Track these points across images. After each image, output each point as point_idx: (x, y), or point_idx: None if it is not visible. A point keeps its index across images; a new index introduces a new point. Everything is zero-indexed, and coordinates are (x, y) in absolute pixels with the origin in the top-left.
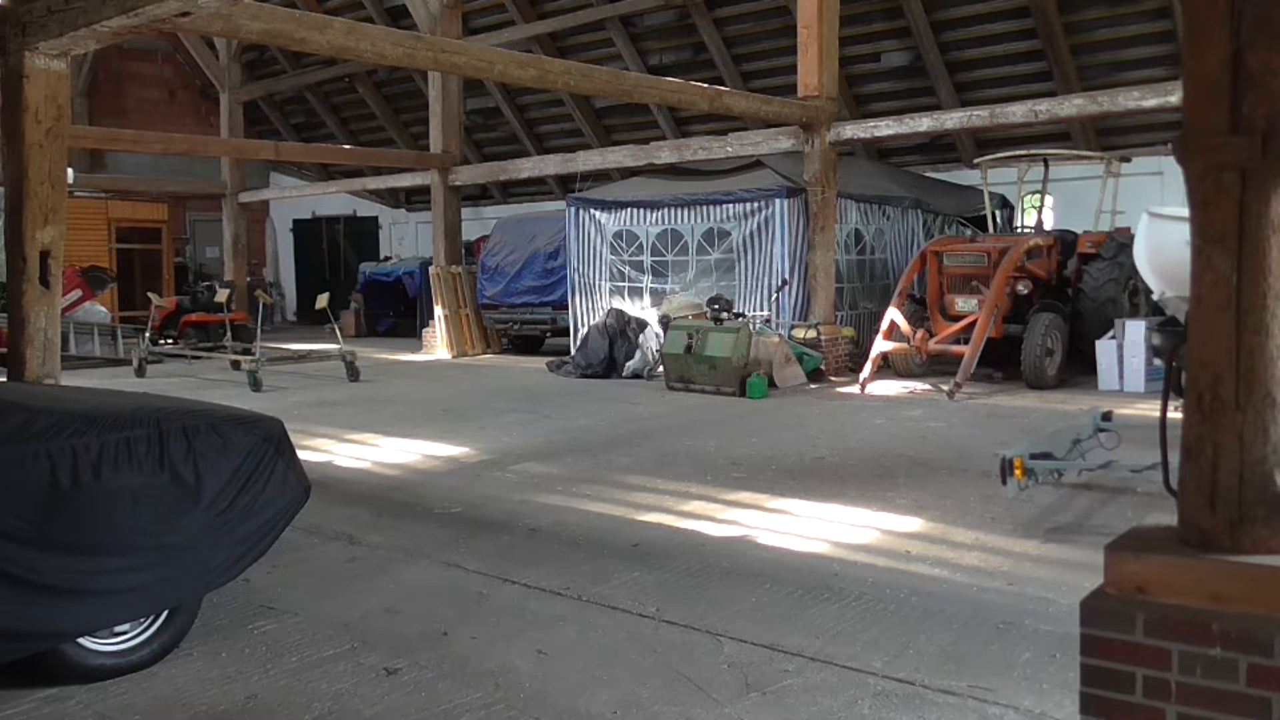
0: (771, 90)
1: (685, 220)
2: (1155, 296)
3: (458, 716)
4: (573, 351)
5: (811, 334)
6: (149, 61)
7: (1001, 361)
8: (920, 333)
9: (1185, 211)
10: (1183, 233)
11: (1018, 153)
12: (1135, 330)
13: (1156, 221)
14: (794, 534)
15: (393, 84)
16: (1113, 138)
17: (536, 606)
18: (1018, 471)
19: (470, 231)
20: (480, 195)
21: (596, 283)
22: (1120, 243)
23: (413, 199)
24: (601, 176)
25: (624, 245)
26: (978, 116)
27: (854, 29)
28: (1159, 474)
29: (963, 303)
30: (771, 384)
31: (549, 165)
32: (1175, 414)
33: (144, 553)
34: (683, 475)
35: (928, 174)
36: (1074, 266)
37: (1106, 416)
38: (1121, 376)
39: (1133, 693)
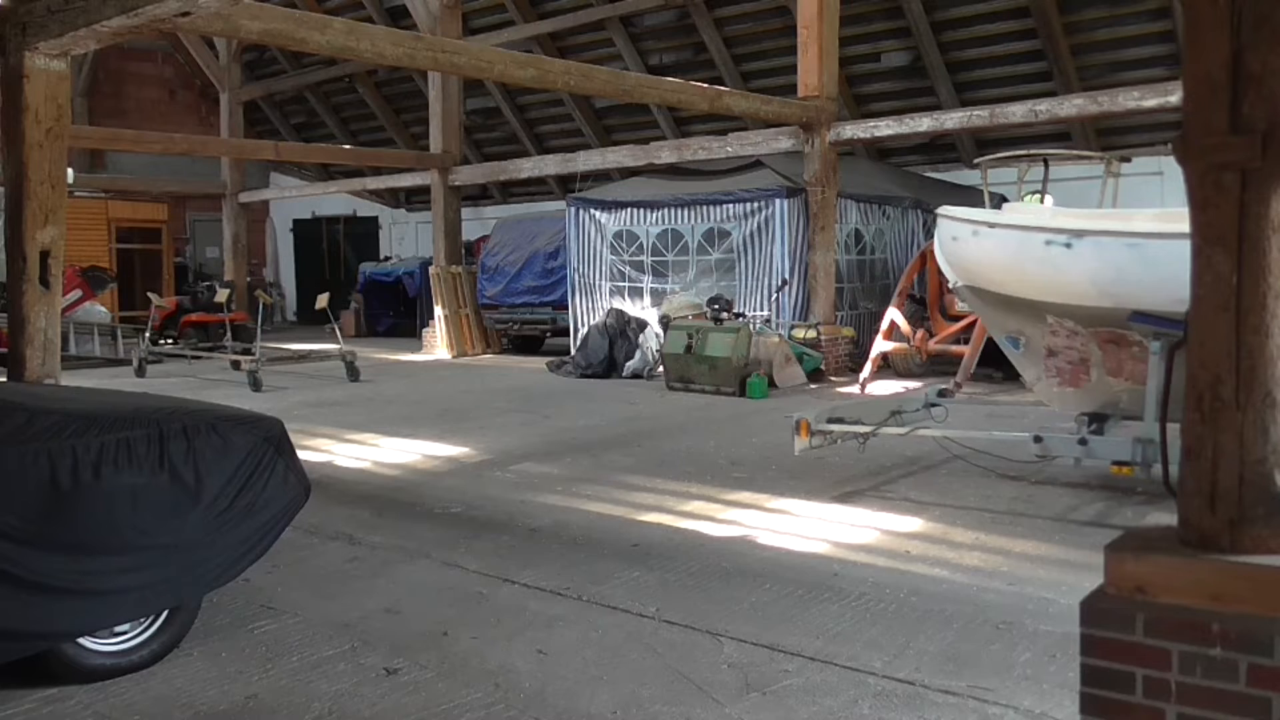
0: (771, 90)
1: (685, 220)
2: (950, 286)
3: (458, 716)
4: (573, 351)
5: (811, 334)
6: (149, 61)
7: (1001, 361)
8: (920, 333)
9: (969, 212)
10: (964, 230)
11: (1018, 153)
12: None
13: (944, 220)
14: (794, 534)
15: (393, 84)
16: (1113, 138)
17: (536, 606)
18: (803, 432)
19: (470, 231)
20: (480, 195)
21: (596, 283)
22: None
23: (413, 199)
24: (601, 176)
25: (624, 245)
26: (978, 116)
27: (854, 29)
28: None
29: (962, 303)
30: (771, 384)
31: (549, 165)
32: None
33: (144, 553)
34: (683, 475)
35: (928, 174)
36: None
37: (942, 393)
38: None
39: (1133, 693)
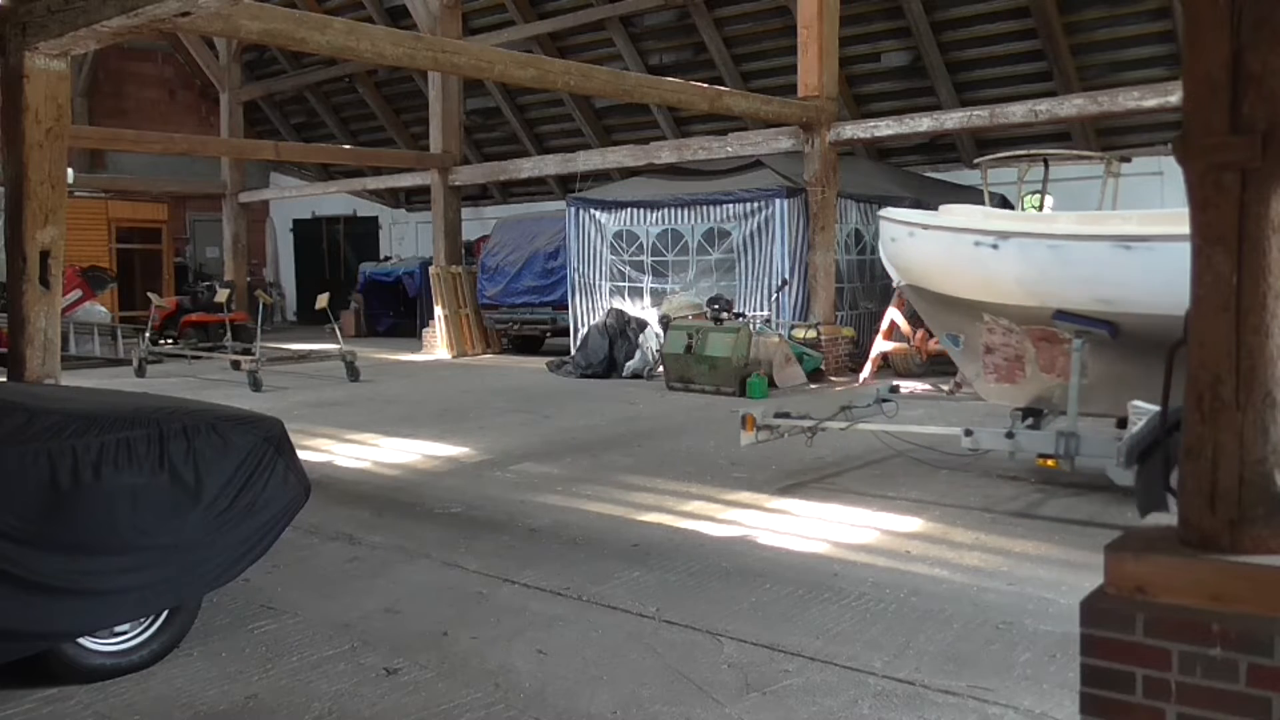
0: (771, 90)
1: (685, 220)
2: (894, 285)
3: (457, 716)
4: (573, 351)
5: (811, 334)
6: (149, 61)
7: None
8: (920, 332)
9: (905, 213)
10: (901, 231)
11: (1018, 153)
12: None
13: (883, 222)
14: (794, 534)
15: (393, 84)
16: (1113, 138)
17: (536, 606)
18: (749, 426)
19: (470, 231)
20: (480, 195)
21: (596, 283)
22: None
23: (413, 199)
24: (601, 176)
25: (624, 245)
26: (978, 116)
27: (854, 29)
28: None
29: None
30: (771, 384)
31: (549, 165)
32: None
33: (144, 553)
34: (683, 475)
35: (928, 174)
36: None
37: (893, 389)
38: None
39: (1133, 693)
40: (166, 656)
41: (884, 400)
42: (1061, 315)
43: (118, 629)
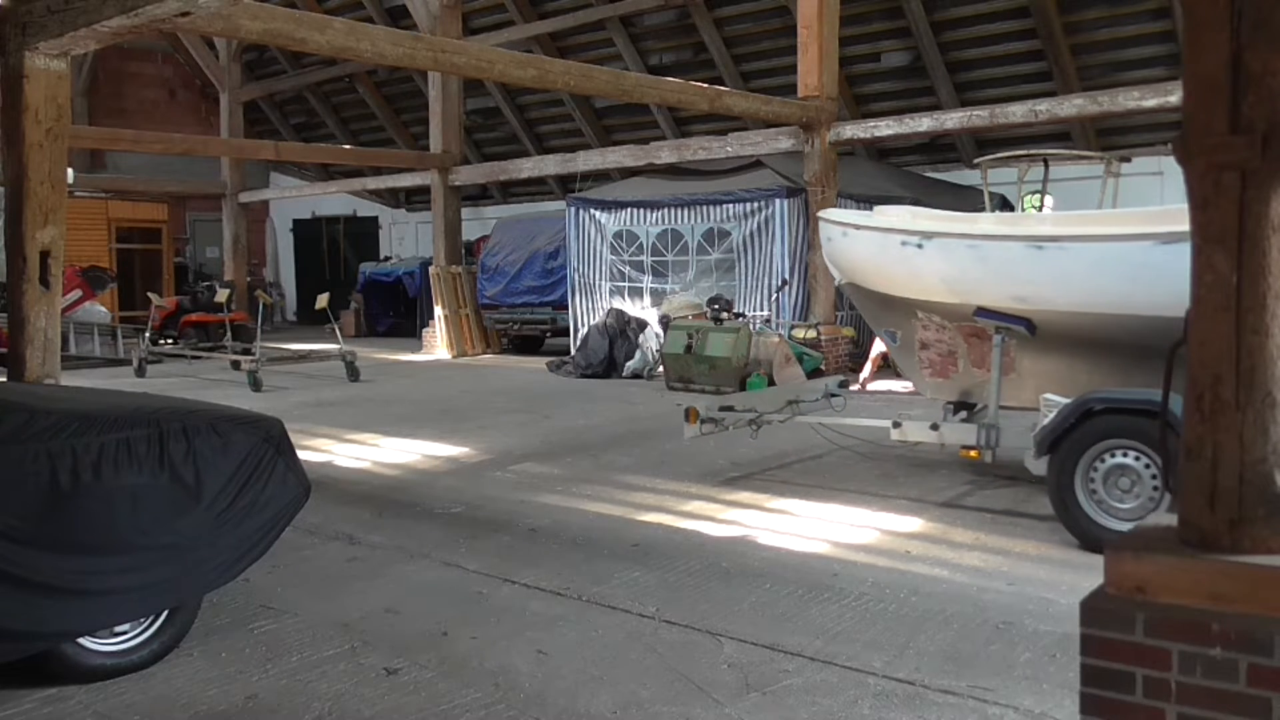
0: (771, 90)
1: (685, 220)
2: (836, 283)
3: (458, 716)
4: (573, 351)
5: (811, 334)
6: (149, 61)
7: None
8: None
9: (839, 214)
10: (836, 231)
11: (1018, 153)
12: None
13: (822, 223)
14: (794, 534)
15: (393, 84)
16: (1113, 138)
17: (536, 606)
18: (692, 419)
19: (470, 231)
20: (480, 195)
21: (596, 283)
22: None
23: (413, 199)
24: (601, 176)
25: (624, 245)
26: (978, 116)
27: (854, 29)
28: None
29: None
30: (771, 384)
31: (549, 165)
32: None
33: (144, 553)
34: (683, 475)
35: (928, 174)
36: None
37: (842, 384)
38: None
39: (1133, 693)
40: (166, 656)
41: (832, 395)
42: (982, 312)
43: (118, 629)
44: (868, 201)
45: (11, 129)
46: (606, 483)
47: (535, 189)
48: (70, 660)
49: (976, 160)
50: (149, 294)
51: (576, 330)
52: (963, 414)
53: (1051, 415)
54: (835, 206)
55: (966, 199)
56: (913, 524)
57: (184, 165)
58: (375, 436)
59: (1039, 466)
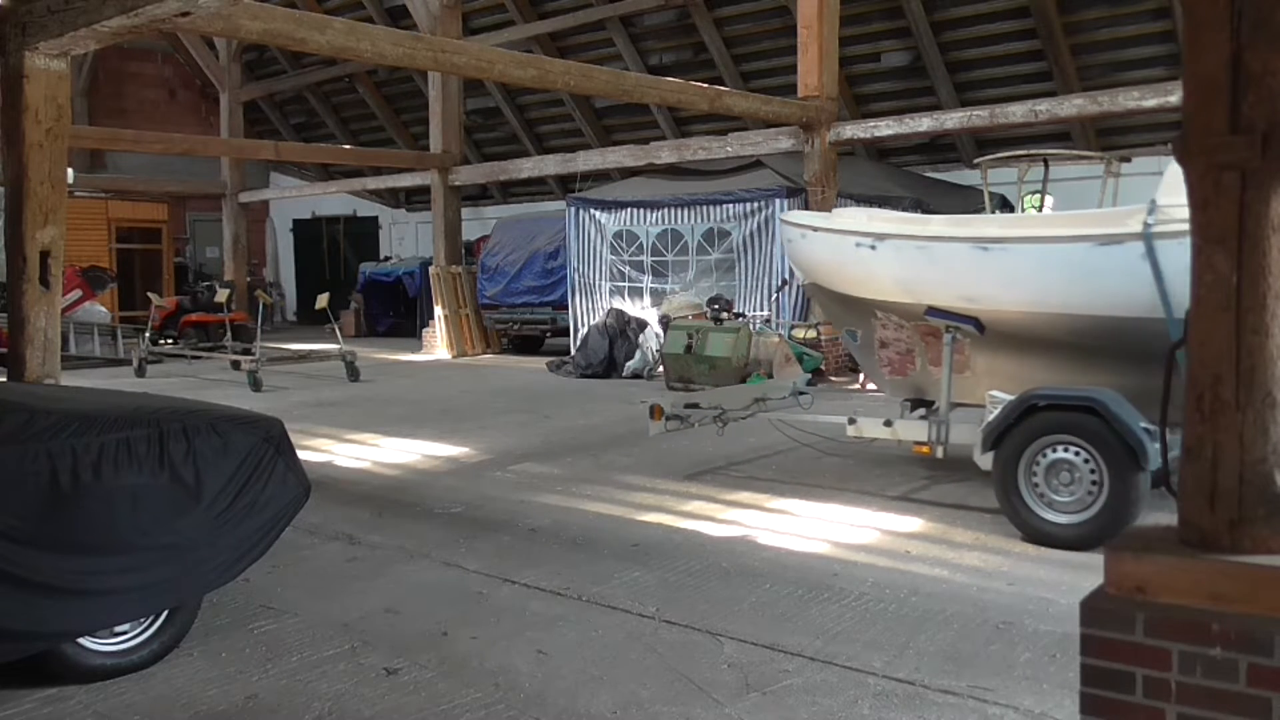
0: (771, 90)
1: (685, 220)
2: (799, 283)
3: (457, 716)
4: (573, 351)
5: (811, 334)
6: (149, 61)
7: None
8: None
9: (800, 216)
10: (795, 233)
11: (1018, 153)
12: None
13: (783, 225)
14: (794, 534)
15: (393, 84)
16: (1113, 138)
17: (536, 606)
18: (656, 415)
19: (470, 231)
20: (480, 195)
21: (596, 283)
22: None
23: (413, 199)
24: (601, 176)
25: (624, 245)
26: (978, 116)
27: (854, 29)
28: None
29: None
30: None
31: (549, 165)
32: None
33: (144, 553)
34: (683, 475)
35: (928, 174)
36: None
37: (810, 383)
38: None
39: (1133, 693)
40: (166, 656)
41: (800, 393)
42: (932, 311)
43: (118, 629)
44: (868, 201)
45: (11, 129)
46: (606, 483)
47: (535, 189)
48: (70, 660)
49: (976, 160)
50: (149, 294)
51: (576, 330)
52: (921, 411)
53: (996, 412)
54: (835, 206)
55: (967, 199)
56: (913, 524)
57: (184, 165)
58: (375, 436)
59: (985, 461)
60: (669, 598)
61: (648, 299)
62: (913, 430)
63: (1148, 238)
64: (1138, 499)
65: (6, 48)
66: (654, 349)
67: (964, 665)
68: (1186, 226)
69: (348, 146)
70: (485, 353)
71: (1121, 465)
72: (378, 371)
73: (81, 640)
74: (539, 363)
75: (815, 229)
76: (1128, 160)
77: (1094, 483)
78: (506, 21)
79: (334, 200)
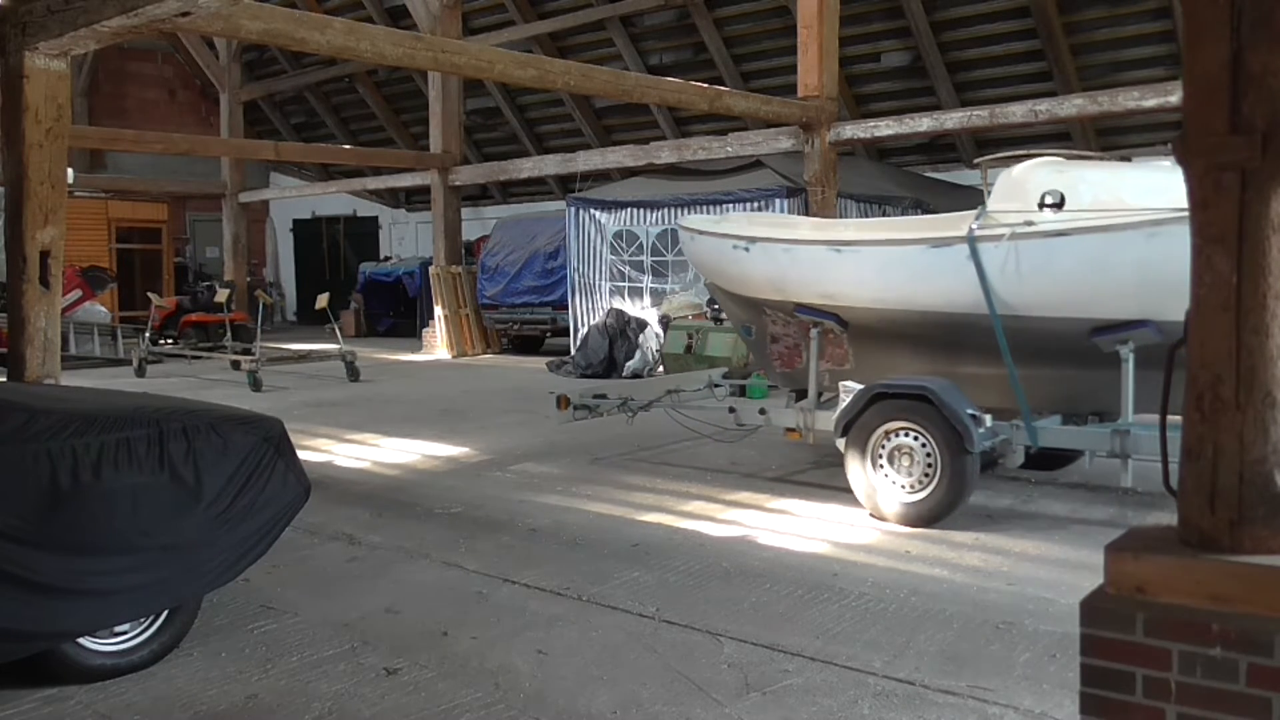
0: (771, 90)
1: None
2: (703, 283)
3: (458, 716)
4: (573, 351)
5: None
6: (149, 61)
7: None
8: None
9: (692, 220)
10: (686, 236)
11: (1018, 153)
12: None
13: (679, 230)
14: (794, 534)
15: (393, 84)
16: (1113, 138)
17: (536, 606)
18: (563, 405)
19: (470, 231)
20: (480, 195)
21: (596, 283)
22: None
23: (413, 199)
24: (601, 176)
25: (624, 245)
26: (978, 116)
27: (854, 29)
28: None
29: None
30: (771, 385)
31: (549, 165)
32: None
33: (144, 553)
34: (683, 475)
35: (928, 174)
36: None
37: (726, 375)
38: None
39: (1133, 693)
40: (166, 656)
41: (715, 385)
42: (801, 308)
43: (118, 629)
44: (868, 201)
45: (11, 129)
46: (606, 483)
47: (535, 189)
48: (70, 660)
49: (976, 160)
50: (149, 294)
51: (576, 330)
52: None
53: (847, 400)
54: (835, 206)
55: (967, 199)
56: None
57: (184, 165)
58: (375, 436)
59: (841, 444)
60: (669, 598)
61: (648, 299)
62: (783, 417)
63: (971, 240)
64: (969, 479)
65: (6, 48)
66: (654, 349)
67: (964, 665)
68: (1007, 230)
69: (348, 146)
70: (485, 353)
71: (953, 448)
72: (378, 371)
73: (81, 640)
74: (539, 363)
75: (701, 233)
76: (1128, 160)
77: (929, 464)
78: (506, 21)
79: (334, 200)
